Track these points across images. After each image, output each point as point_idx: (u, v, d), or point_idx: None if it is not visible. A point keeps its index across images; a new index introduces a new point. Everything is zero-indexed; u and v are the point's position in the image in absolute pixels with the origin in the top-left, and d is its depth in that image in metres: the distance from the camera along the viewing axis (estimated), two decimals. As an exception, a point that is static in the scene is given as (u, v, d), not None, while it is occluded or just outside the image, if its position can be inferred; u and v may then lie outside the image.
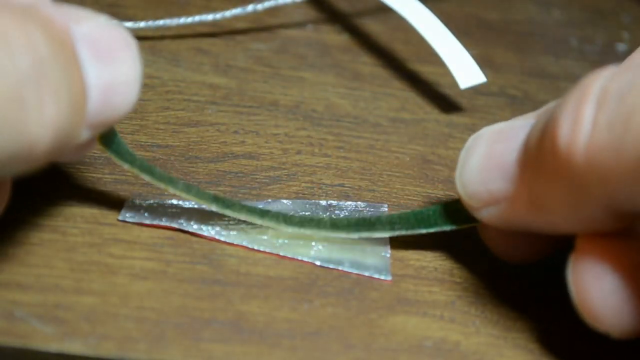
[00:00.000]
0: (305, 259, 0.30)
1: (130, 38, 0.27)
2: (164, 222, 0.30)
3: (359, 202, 0.32)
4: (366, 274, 0.30)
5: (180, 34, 0.38)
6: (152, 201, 0.30)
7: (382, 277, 0.30)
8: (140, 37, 0.38)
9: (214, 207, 0.29)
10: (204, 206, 0.30)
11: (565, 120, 0.25)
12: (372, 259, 0.30)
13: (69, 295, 0.27)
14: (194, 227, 0.30)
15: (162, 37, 0.38)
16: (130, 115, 0.34)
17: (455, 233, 0.31)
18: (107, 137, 0.29)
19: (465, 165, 0.29)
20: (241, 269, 0.29)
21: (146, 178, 0.29)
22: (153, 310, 0.28)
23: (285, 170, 0.33)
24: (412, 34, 0.38)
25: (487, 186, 0.28)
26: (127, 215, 0.30)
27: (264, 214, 0.30)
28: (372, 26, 0.41)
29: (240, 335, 0.27)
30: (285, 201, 0.31)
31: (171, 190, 0.29)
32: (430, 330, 0.29)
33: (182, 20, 0.38)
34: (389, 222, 0.30)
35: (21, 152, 0.24)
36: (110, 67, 0.26)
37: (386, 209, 0.32)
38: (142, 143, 0.33)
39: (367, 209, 0.32)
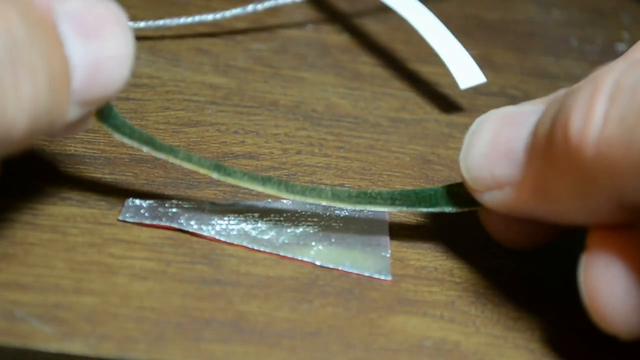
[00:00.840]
0: (305, 259, 0.30)
1: (120, 12, 0.27)
2: (164, 222, 0.30)
3: None
4: (366, 274, 0.30)
5: (180, 34, 0.38)
6: (152, 201, 0.30)
7: (382, 277, 0.30)
8: (140, 37, 0.38)
9: (215, 175, 0.29)
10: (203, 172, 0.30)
11: (577, 113, 0.25)
12: (372, 259, 0.30)
13: (69, 295, 0.27)
14: (194, 227, 0.30)
15: (162, 37, 0.38)
16: (130, 115, 0.34)
17: (455, 233, 0.32)
18: (103, 112, 0.28)
19: (470, 149, 0.29)
20: (241, 269, 0.29)
21: (146, 149, 0.29)
22: (153, 310, 0.28)
23: (285, 170, 0.33)
24: (412, 34, 0.38)
25: (492, 171, 0.28)
26: (127, 215, 0.30)
27: (265, 181, 0.30)
28: (372, 26, 0.41)
29: (240, 335, 0.27)
30: (285, 201, 0.31)
31: (172, 160, 0.29)
32: (430, 330, 0.29)
33: (182, 20, 0.38)
34: (390, 198, 0.30)
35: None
36: (97, 43, 0.26)
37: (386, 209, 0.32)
38: (142, 143, 0.33)
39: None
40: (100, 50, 0.26)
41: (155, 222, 0.30)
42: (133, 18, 0.38)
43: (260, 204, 0.31)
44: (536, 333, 0.29)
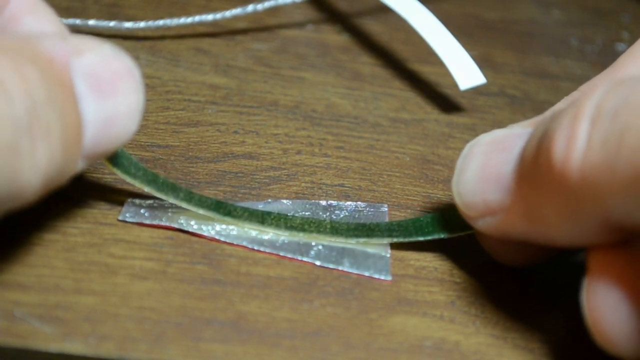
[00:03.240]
0: (305, 259, 0.30)
1: (134, 67, 0.27)
2: (164, 222, 0.30)
3: (359, 202, 0.32)
4: (366, 274, 0.30)
5: (180, 34, 0.38)
6: (152, 201, 0.30)
7: (382, 277, 0.30)
8: (140, 37, 0.38)
9: (214, 214, 0.30)
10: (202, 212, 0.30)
11: (560, 137, 0.25)
12: (372, 259, 0.30)
13: (69, 295, 0.27)
14: (194, 227, 0.30)
15: (162, 37, 0.38)
16: (130, 115, 0.34)
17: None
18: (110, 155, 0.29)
19: (462, 175, 0.29)
20: (241, 269, 0.29)
21: (148, 189, 0.29)
22: (153, 310, 0.28)
23: (285, 170, 0.33)
24: (412, 34, 0.38)
25: (484, 197, 0.28)
26: (127, 215, 0.30)
27: (265, 218, 0.30)
28: (372, 26, 0.41)
29: (240, 335, 0.27)
30: (285, 201, 0.31)
31: (172, 200, 0.29)
32: (430, 330, 0.29)
33: (182, 20, 0.38)
34: (387, 229, 0.30)
35: (11, 195, 0.24)
36: (110, 99, 0.26)
37: (386, 209, 0.32)
38: (142, 143, 0.33)
39: (367, 209, 0.32)
40: (112, 107, 0.26)
41: (156, 222, 0.30)
42: (133, 18, 0.38)
43: (260, 204, 0.31)
44: (536, 333, 0.29)
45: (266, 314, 0.28)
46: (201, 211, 0.30)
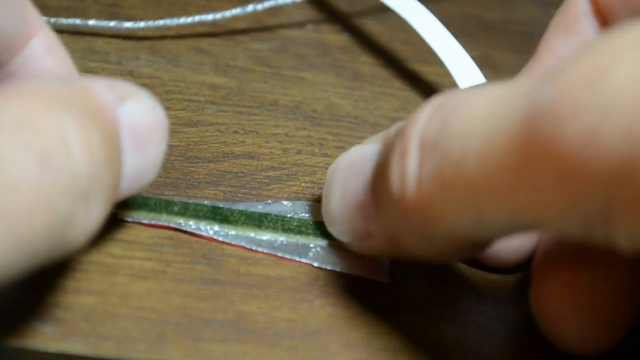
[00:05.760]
0: (303, 260, 0.30)
1: (165, 120, 0.26)
2: (162, 222, 0.30)
3: None
4: (364, 275, 0.30)
5: (180, 34, 0.38)
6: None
7: (380, 279, 0.30)
8: (140, 37, 0.38)
9: (210, 222, 0.30)
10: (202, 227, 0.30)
11: (393, 170, 0.26)
12: (370, 261, 0.30)
13: (69, 295, 0.27)
14: (192, 227, 0.30)
15: (162, 37, 0.38)
16: (130, 115, 0.34)
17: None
18: None
19: (328, 203, 0.29)
20: (241, 269, 0.29)
21: (141, 215, 0.29)
22: (153, 310, 0.27)
23: (285, 170, 0.33)
24: (412, 34, 0.38)
25: (351, 225, 0.28)
26: (126, 215, 0.30)
27: (262, 221, 0.30)
28: (372, 26, 0.41)
29: (240, 335, 0.27)
30: (285, 202, 0.31)
31: (166, 217, 0.29)
32: (430, 330, 0.28)
33: (182, 20, 0.38)
34: None
35: (54, 256, 0.23)
36: (144, 152, 0.26)
37: None
38: (142, 143, 0.33)
39: None
40: (144, 159, 0.26)
41: (154, 222, 0.30)
42: (133, 18, 0.38)
43: (260, 204, 0.31)
44: (536, 333, 0.29)
45: (266, 314, 0.28)
46: (199, 221, 0.30)
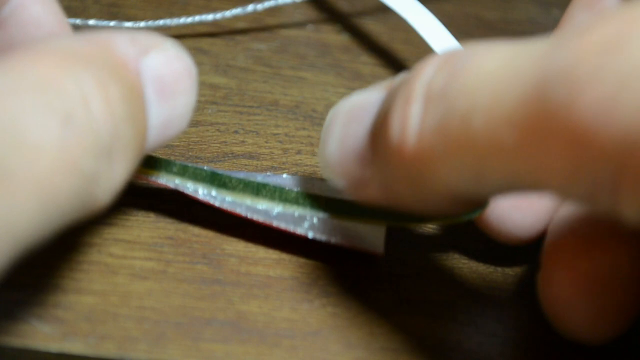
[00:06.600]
0: (299, 231, 0.29)
1: (193, 67, 0.26)
2: (160, 180, 0.29)
3: None
4: (358, 246, 0.29)
5: (180, 34, 0.38)
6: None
7: (376, 250, 0.29)
8: (140, 37, 0.38)
9: (208, 187, 0.29)
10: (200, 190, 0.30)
11: (394, 118, 0.25)
12: (365, 231, 0.29)
13: (69, 295, 0.27)
14: (190, 189, 0.29)
15: (162, 37, 0.38)
16: (130, 115, 0.34)
17: (455, 233, 0.32)
18: None
19: (325, 147, 0.28)
20: (241, 269, 0.29)
21: (137, 171, 0.29)
22: (153, 310, 0.28)
23: (286, 170, 0.33)
24: (412, 34, 0.38)
25: (347, 170, 0.27)
26: None
27: (259, 190, 0.30)
28: (372, 26, 0.41)
29: (240, 335, 0.27)
30: (285, 176, 0.31)
31: (165, 176, 0.29)
32: (430, 330, 0.29)
33: (182, 20, 0.38)
34: (382, 213, 0.30)
35: (80, 214, 0.23)
36: (172, 102, 0.25)
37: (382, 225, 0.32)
38: (142, 143, 0.33)
39: None
40: (172, 109, 0.25)
41: (152, 179, 0.29)
42: (133, 18, 0.38)
43: (260, 175, 0.31)
44: (536, 333, 0.29)
45: (266, 314, 0.28)
46: (197, 184, 0.29)
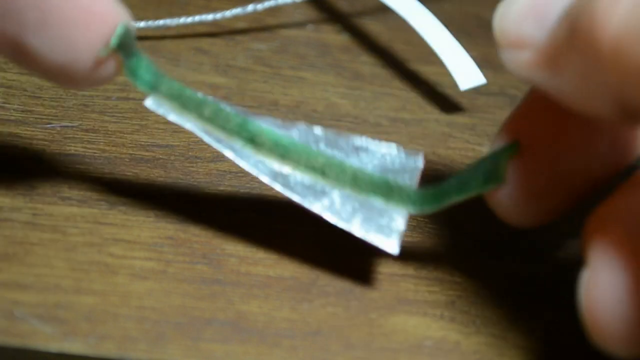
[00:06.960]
0: (313, 209, 0.28)
1: None
2: (187, 126, 0.28)
3: (392, 147, 0.30)
4: (373, 242, 0.28)
5: (180, 34, 0.38)
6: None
7: (389, 250, 0.28)
8: (140, 37, 0.38)
9: (235, 139, 0.29)
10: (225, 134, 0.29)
11: (602, 0, 0.24)
12: (384, 226, 0.29)
13: (69, 295, 0.27)
14: (214, 143, 0.29)
15: (162, 37, 0.38)
16: (130, 115, 0.34)
17: (455, 233, 0.32)
18: (130, 65, 0.28)
19: (509, 1, 0.27)
20: (241, 269, 0.29)
21: (167, 108, 0.28)
22: (153, 310, 0.28)
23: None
24: (412, 34, 0.38)
25: (520, 27, 0.27)
26: (151, 103, 0.29)
27: (287, 151, 0.29)
28: (372, 26, 0.41)
29: (240, 335, 0.27)
30: (316, 132, 0.29)
31: (194, 118, 0.28)
32: (430, 330, 0.29)
33: (182, 20, 0.38)
34: (407, 196, 0.29)
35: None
36: None
37: (420, 164, 0.30)
38: (142, 143, 0.33)
39: (400, 155, 0.30)
40: None
41: (180, 123, 0.28)
42: (133, 18, 0.38)
43: (294, 128, 0.30)
44: (536, 333, 0.29)
45: (266, 314, 0.28)
46: (224, 132, 0.29)
